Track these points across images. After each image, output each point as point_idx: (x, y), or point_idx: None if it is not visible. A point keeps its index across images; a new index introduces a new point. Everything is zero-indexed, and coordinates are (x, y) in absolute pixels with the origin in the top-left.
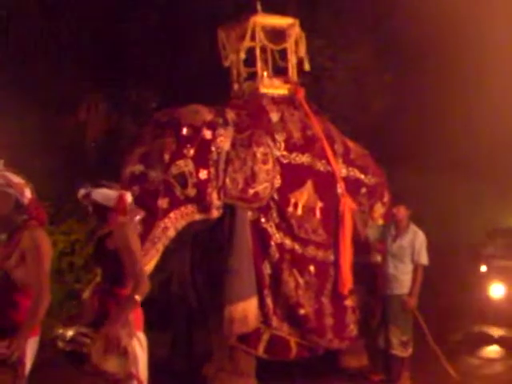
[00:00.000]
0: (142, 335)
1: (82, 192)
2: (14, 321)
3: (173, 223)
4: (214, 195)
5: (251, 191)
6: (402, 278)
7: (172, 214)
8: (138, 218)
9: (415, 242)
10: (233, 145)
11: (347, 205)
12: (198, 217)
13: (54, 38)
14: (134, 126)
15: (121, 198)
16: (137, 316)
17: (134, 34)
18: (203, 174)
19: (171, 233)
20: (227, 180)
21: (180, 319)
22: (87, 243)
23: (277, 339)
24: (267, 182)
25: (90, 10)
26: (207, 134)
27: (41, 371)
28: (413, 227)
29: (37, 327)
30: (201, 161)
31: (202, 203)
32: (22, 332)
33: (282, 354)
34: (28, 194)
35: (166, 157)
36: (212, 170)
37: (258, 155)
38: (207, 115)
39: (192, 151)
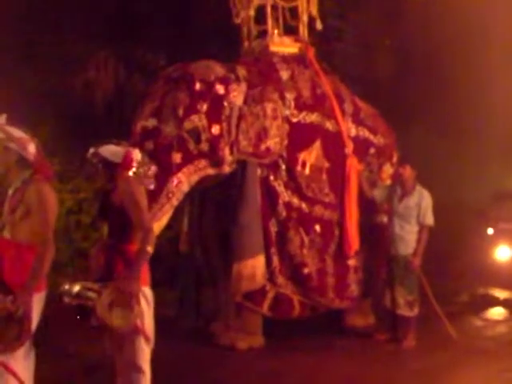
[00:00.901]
0: (148, 290)
1: (91, 150)
2: (20, 276)
3: (187, 178)
4: (227, 150)
5: (263, 146)
6: (408, 238)
7: (185, 169)
8: (151, 172)
9: (421, 202)
10: (245, 100)
11: (353, 166)
12: (211, 171)
13: None
14: (143, 83)
15: (127, 154)
16: (143, 271)
17: None
18: (216, 129)
19: (185, 187)
20: (240, 135)
21: (188, 277)
22: (95, 201)
23: (281, 297)
24: (278, 137)
25: None
26: (220, 89)
27: (47, 327)
28: (419, 188)
29: (43, 282)
30: (214, 116)
31: (215, 158)
32: (27, 287)
33: (286, 313)
34: (32, 148)
35: (180, 111)
36: (225, 125)
37: (268, 111)
38: (219, 70)
39: (205, 106)
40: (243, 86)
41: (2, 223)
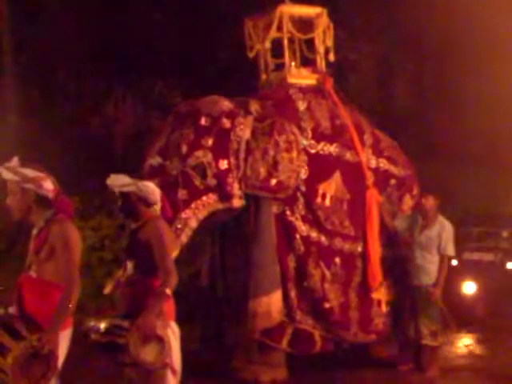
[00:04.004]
0: (174, 324)
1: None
2: (46, 314)
3: (194, 214)
4: (235, 185)
5: (274, 180)
6: (430, 268)
7: (193, 205)
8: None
9: (442, 233)
10: (253, 134)
11: (374, 197)
12: (220, 206)
13: (83, 36)
14: (160, 119)
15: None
16: (169, 306)
17: (162, 28)
18: (223, 164)
19: (193, 223)
20: (248, 170)
21: (210, 312)
22: (116, 238)
23: (301, 333)
24: (291, 171)
25: (118, 8)
26: (226, 123)
27: (72, 364)
28: (441, 218)
29: (69, 320)
30: (220, 151)
31: (223, 193)
32: (53, 325)
33: (307, 348)
34: (49, 185)
35: (184, 148)
36: (232, 159)
37: (281, 143)
38: (226, 105)
39: (210, 141)
40: (250, 119)
41: (29, 263)
